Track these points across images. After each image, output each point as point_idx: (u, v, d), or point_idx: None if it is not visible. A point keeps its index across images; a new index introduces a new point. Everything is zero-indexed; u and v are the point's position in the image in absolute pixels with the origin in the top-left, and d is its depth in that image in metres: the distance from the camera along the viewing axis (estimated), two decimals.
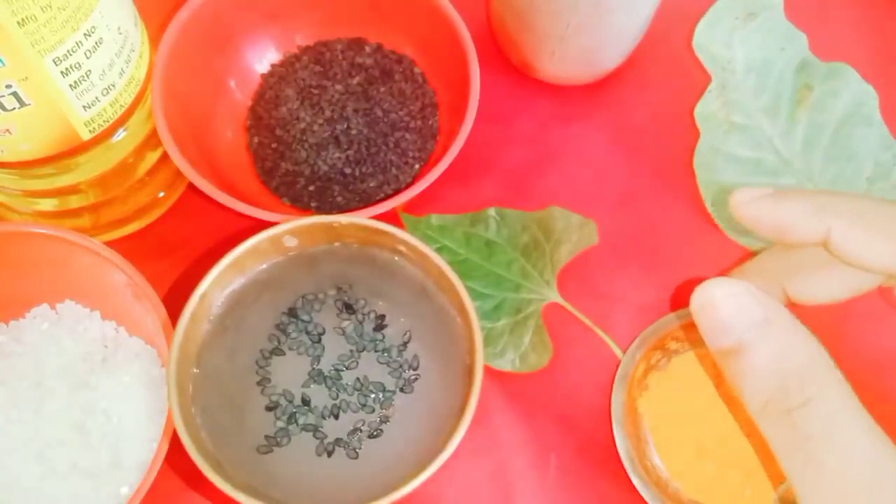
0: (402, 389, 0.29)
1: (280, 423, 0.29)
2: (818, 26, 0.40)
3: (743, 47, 0.40)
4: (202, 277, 0.29)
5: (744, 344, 0.23)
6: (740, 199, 0.26)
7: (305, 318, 0.30)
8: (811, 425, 0.22)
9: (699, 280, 0.36)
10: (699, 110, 0.39)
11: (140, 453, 0.31)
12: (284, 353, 0.30)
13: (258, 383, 0.29)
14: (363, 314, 0.30)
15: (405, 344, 0.30)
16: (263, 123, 0.38)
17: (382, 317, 0.30)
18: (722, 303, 0.23)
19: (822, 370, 0.23)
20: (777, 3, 0.41)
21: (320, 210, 0.37)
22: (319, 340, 0.30)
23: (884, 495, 0.22)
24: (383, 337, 0.30)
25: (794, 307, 0.32)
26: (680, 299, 0.36)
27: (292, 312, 0.30)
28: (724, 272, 0.34)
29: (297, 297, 0.30)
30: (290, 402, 0.29)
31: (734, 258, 0.37)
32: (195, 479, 0.33)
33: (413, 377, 0.30)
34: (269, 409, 0.29)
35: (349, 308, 0.30)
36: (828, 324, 0.34)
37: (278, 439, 0.29)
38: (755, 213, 0.26)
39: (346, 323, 0.30)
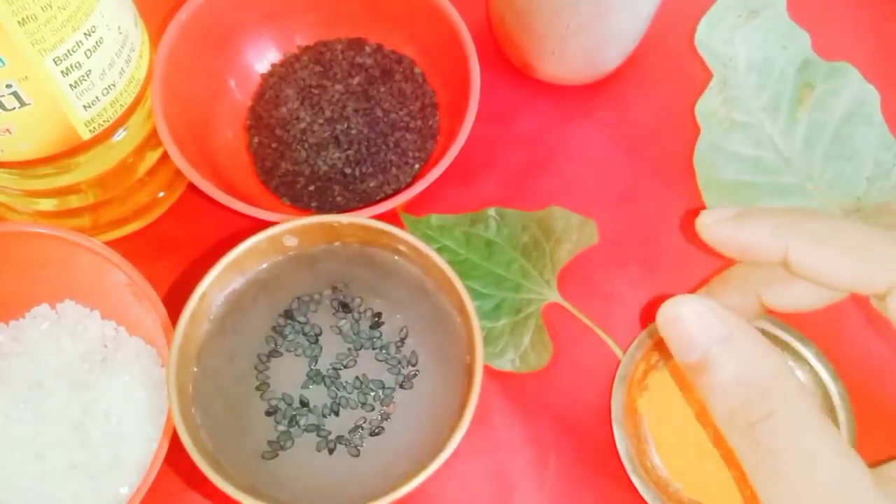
0: (401, 386, 0.29)
1: (281, 427, 0.29)
2: (820, 25, 0.40)
3: (745, 45, 0.40)
4: (202, 277, 0.29)
5: (709, 359, 0.24)
6: (705, 222, 0.27)
7: (302, 319, 0.30)
8: (774, 438, 0.23)
9: (699, 280, 0.36)
10: (700, 107, 0.39)
11: (140, 453, 0.31)
12: (282, 355, 0.30)
13: (257, 388, 0.29)
14: (359, 312, 0.30)
15: (402, 340, 0.30)
16: (263, 123, 0.38)
17: (378, 314, 0.30)
18: (686, 320, 0.24)
19: (783, 383, 0.23)
20: (779, 2, 0.41)
21: (320, 210, 0.37)
22: (317, 341, 0.30)
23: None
24: (380, 334, 0.30)
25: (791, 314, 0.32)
26: None
27: (288, 314, 0.30)
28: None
29: (293, 298, 0.30)
30: (290, 405, 0.29)
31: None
32: (195, 479, 0.33)
33: (412, 373, 0.30)
34: (269, 413, 0.29)
35: (345, 307, 0.30)
36: (825, 328, 0.34)
37: (282, 443, 0.29)
38: (718, 235, 0.27)
39: (342, 322, 0.30)
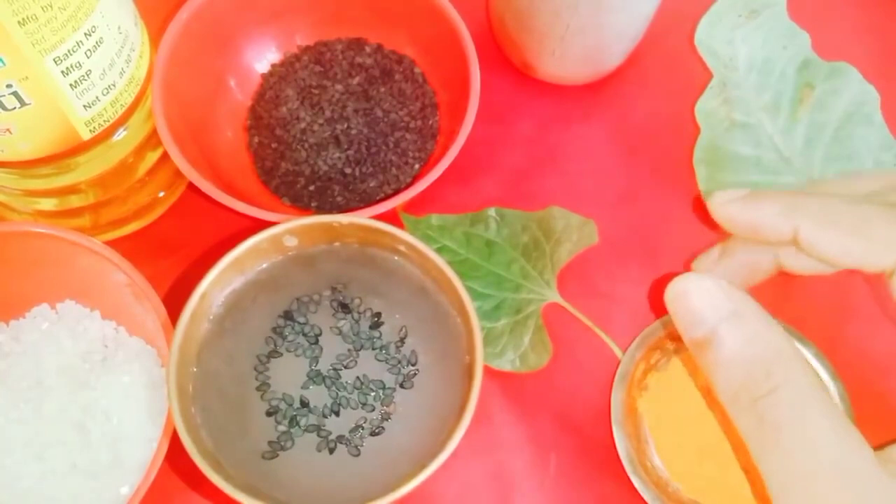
0: (401, 385, 0.29)
1: (281, 428, 0.29)
2: (820, 25, 0.40)
3: (745, 45, 0.40)
4: (202, 277, 0.29)
5: (714, 335, 0.24)
6: (717, 201, 0.28)
7: (301, 319, 0.30)
8: (777, 413, 0.23)
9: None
10: (700, 107, 0.39)
11: (140, 453, 0.31)
12: (282, 355, 0.30)
13: (258, 388, 0.29)
14: (359, 313, 0.30)
15: (402, 340, 0.30)
16: (263, 123, 0.38)
17: (378, 314, 0.30)
18: (693, 296, 0.25)
19: (787, 360, 0.24)
20: (780, 2, 0.41)
21: (320, 210, 0.37)
22: (317, 342, 0.30)
23: (847, 480, 0.22)
24: (380, 335, 0.30)
25: (793, 310, 0.32)
26: None
27: (288, 315, 0.30)
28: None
29: (292, 299, 0.30)
30: (290, 405, 0.29)
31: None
32: (195, 479, 0.33)
33: (412, 373, 0.30)
34: (269, 414, 0.29)
35: (344, 307, 0.30)
36: (825, 328, 0.35)
37: (282, 443, 0.29)
38: (729, 214, 0.28)
39: (342, 322, 0.30)
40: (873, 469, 0.22)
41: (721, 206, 0.28)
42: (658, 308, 0.36)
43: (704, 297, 0.24)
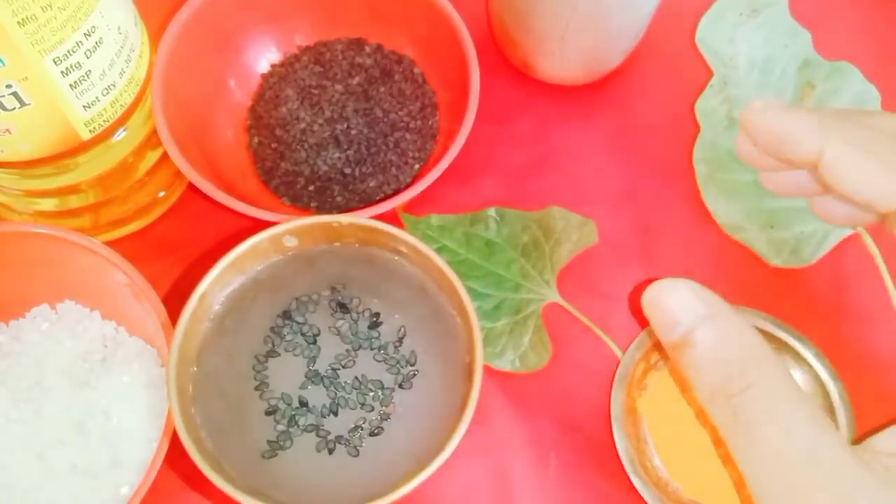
0: (400, 386, 0.29)
1: (280, 427, 0.29)
2: (822, 24, 0.40)
3: (746, 43, 0.40)
4: (202, 277, 0.29)
5: (690, 337, 0.25)
6: (751, 108, 0.27)
7: (300, 319, 0.30)
8: (751, 409, 0.23)
9: (700, 280, 0.36)
10: (700, 106, 0.39)
11: (140, 453, 0.31)
12: (280, 355, 0.30)
13: (256, 388, 0.29)
14: (357, 313, 0.30)
15: (401, 340, 0.30)
16: (263, 123, 0.38)
17: (377, 314, 0.30)
18: (668, 300, 0.25)
19: (760, 358, 0.24)
20: (781, 0, 0.41)
21: (320, 210, 0.37)
22: (315, 341, 0.30)
23: (821, 470, 0.23)
24: (379, 335, 0.30)
25: (793, 310, 0.32)
26: None
27: (286, 315, 0.30)
28: (724, 270, 0.34)
29: (292, 299, 0.30)
30: (289, 405, 0.29)
31: (734, 256, 0.37)
32: (195, 479, 0.33)
33: (411, 373, 0.30)
34: (268, 413, 0.29)
35: (343, 307, 0.30)
36: (825, 328, 0.34)
37: (281, 443, 0.29)
38: (758, 121, 0.27)
39: (340, 322, 0.30)
40: (848, 458, 0.23)
41: (756, 112, 0.27)
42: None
43: (679, 301, 0.25)
